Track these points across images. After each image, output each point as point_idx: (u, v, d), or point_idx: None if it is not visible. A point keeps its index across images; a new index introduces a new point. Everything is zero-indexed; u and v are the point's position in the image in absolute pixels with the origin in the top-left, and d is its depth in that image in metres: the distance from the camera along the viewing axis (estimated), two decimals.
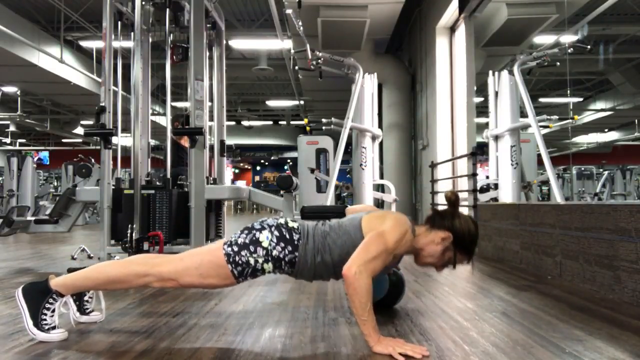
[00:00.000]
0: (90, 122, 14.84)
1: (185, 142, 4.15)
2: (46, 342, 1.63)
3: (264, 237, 1.71)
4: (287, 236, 1.72)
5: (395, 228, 1.67)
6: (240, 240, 1.71)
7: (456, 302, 2.27)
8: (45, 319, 1.65)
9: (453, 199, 1.78)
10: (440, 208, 1.84)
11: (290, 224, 1.76)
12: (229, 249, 1.69)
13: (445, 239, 1.73)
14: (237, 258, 1.67)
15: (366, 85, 6.57)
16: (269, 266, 1.70)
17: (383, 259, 1.62)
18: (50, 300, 1.67)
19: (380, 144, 7.27)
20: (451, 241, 1.74)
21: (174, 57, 3.40)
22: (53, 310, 1.67)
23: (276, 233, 1.72)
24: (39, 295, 1.66)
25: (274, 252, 1.69)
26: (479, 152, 4.99)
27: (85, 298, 1.87)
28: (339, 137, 6.23)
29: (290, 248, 1.71)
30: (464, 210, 4.94)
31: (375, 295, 1.93)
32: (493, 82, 6.16)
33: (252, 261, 1.68)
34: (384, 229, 1.66)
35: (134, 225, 3.05)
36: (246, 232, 1.74)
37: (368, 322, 1.54)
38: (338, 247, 1.72)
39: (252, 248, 1.69)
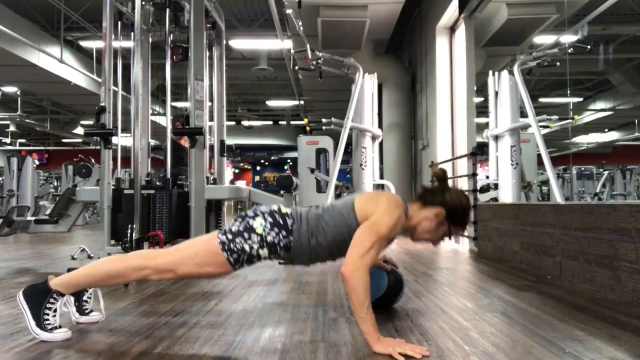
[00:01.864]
0: (90, 122, 14.81)
1: (185, 142, 4.15)
2: (49, 341, 1.64)
3: (258, 223, 1.72)
4: (281, 221, 1.74)
5: (388, 213, 1.68)
6: (234, 228, 1.73)
7: (456, 302, 2.27)
8: (47, 319, 1.65)
9: (441, 175, 1.84)
10: (430, 185, 1.87)
11: (284, 210, 1.78)
12: (224, 237, 1.71)
13: (438, 214, 1.78)
14: (232, 245, 1.69)
15: (366, 85, 6.57)
16: (264, 252, 1.72)
17: (377, 248, 1.65)
18: (52, 300, 1.67)
19: (380, 144, 7.27)
20: (444, 216, 1.78)
21: (174, 57, 3.40)
22: (55, 310, 1.68)
23: (269, 219, 1.74)
24: (39, 296, 1.67)
25: (269, 238, 1.71)
26: (479, 152, 4.99)
27: (84, 298, 1.87)
28: (339, 137, 6.23)
29: (284, 233, 1.72)
30: None
31: (374, 292, 1.94)
32: (493, 82, 6.15)
33: (247, 248, 1.70)
34: (376, 217, 1.67)
35: (134, 225, 3.05)
36: (240, 220, 1.76)
37: (367, 320, 1.54)
38: (331, 228, 1.74)
39: (246, 235, 1.70)
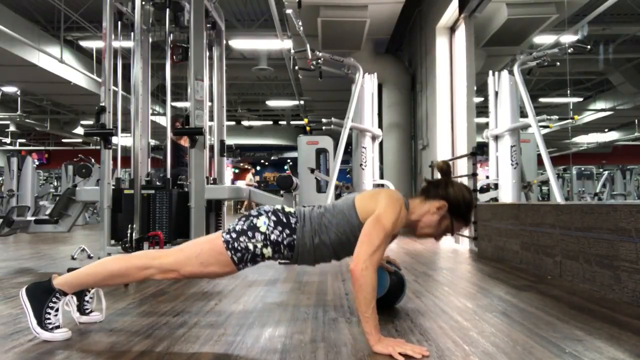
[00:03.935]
0: (90, 122, 14.82)
1: (185, 142, 4.15)
2: (49, 341, 1.64)
3: (262, 222, 1.73)
4: (284, 220, 1.74)
5: (390, 207, 1.67)
6: (238, 227, 1.73)
7: (456, 302, 2.27)
8: (49, 318, 1.66)
9: (445, 168, 1.82)
10: (432, 179, 1.86)
11: (287, 209, 1.79)
12: (228, 236, 1.71)
13: (440, 207, 1.76)
14: (236, 244, 1.69)
15: (366, 85, 6.57)
16: (268, 251, 1.72)
17: (385, 246, 1.65)
18: (54, 299, 1.67)
19: (380, 144, 7.27)
20: (447, 209, 1.76)
21: (174, 57, 3.40)
22: (57, 310, 1.68)
23: (273, 218, 1.74)
24: (42, 295, 1.67)
25: (272, 237, 1.71)
26: (479, 152, 4.98)
27: (86, 298, 1.87)
28: (339, 137, 6.23)
29: (288, 231, 1.72)
30: None
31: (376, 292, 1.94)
32: (493, 82, 6.15)
33: (251, 247, 1.70)
34: (379, 212, 1.66)
35: (134, 225, 3.05)
36: (243, 219, 1.76)
37: (370, 320, 1.54)
38: (334, 227, 1.74)
39: (250, 234, 1.71)
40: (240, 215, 1.84)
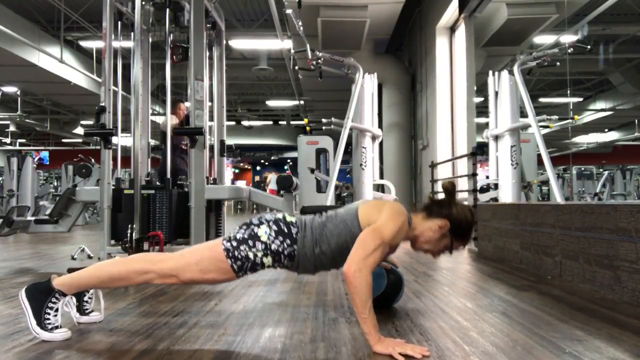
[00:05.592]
0: (90, 122, 14.83)
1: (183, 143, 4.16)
2: (49, 341, 1.64)
3: (263, 231, 1.73)
4: (285, 230, 1.74)
5: (392, 219, 1.69)
6: (239, 236, 1.73)
7: (456, 302, 2.27)
8: (48, 319, 1.66)
9: (450, 188, 1.85)
10: (437, 197, 1.87)
11: (288, 218, 1.79)
12: (228, 244, 1.71)
13: (442, 226, 1.78)
14: (236, 253, 1.69)
15: (366, 85, 6.57)
16: (268, 260, 1.72)
17: (381, 252, 1.64)
18: (53, 300, 1.67)
19: (380, 144, 7.27)
20: (448, 229, 1.78)
21: (174, 57, 3.40)
22: (56, 310, 1.68)
23: (274, 227, 1.74)
24: (41, 295, 1.67)
25: (273, 246, 1.71)
26: (479, 152, 4.99)
27: (85, 298, 1.87)
28: (339, 137, 6.23)
29: (288, 241, 1.72)
30: None
31: (373, 291, 1.93)
32: (493, 82, 6.16)
33: (251, 255, 1.70)
34: (380, 223, 1.68)
35: (134, 225, 3.05)
36: (245, 227, 1.76)
37: (368, 320, 1.54)
38: (335, 237, 1.74)
39: (250, 242, 1.71)
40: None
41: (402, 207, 1.76)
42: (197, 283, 1.77)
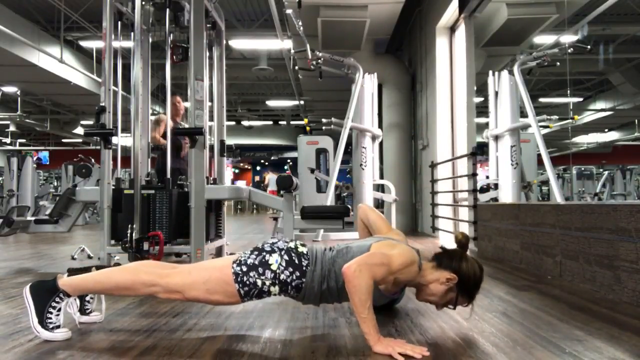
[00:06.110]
0: (90, 122, 14.83)
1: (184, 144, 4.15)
2: (50, 340, 1.64)
3: (274, 260, 1.72)
4: (296, 261, 1.73)
5: (403, 255, 1.70)
6: (250, 261, 1.72)
7: None
8: (50, 318, 1.66)
9: (463, 241, 1.81)
10: (448, 247, 1.85)
11: (300, 249, 1.78)
12: (238, 268, 1.70)
13: (450, 279, 1.74)
14: (245, 278, 1.69)
15: (366, 85, 6.56)
16: (275, 289, 1.72)
17: (384, 271, 1.64)
18: (57, 299, 1.67)
19: (380, 144, 7.26)
20: (455, 282, 1.74)
21: (174, 57, 3.40)
22: (59, 310, 1.68)
23: (285, 257, 1.73)
24: (46, 294, 1.67)
25: (282, 276, 1.70)
26: (479, 152, 4.98)
27: (87, 299, 1.87)
28: (339, 137, 6.23)
29: (298, 274, 1.72)
30: (464, 211, 4.95)
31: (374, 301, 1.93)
32: (493, 82, 6.15)
33: (259, 283, 1.69)
34: (391, 253, 1.69)
35: (134, 225, 3.05)
36: (256, 253, 1.75)
37: (368, 320, 1.54)
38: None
39: (260, 270, 1.70)
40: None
41: (415, 252, 1.76)
42: (201, 302, 1.76)
